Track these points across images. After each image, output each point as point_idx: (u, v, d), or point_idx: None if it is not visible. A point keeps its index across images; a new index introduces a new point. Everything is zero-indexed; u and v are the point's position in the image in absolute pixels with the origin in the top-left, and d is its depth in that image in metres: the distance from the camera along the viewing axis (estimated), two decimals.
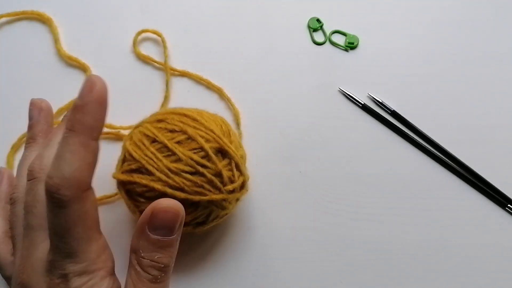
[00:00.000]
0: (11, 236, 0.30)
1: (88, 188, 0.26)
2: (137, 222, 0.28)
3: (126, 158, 0.32)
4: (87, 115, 0.26)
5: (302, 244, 0.38)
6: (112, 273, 0.27)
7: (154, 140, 0.31)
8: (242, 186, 0.33)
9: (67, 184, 0.25)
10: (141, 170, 0.30)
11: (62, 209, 0.25)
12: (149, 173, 0.30)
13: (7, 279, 0.31)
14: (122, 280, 0.27)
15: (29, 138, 0.34)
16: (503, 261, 0.38)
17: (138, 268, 0.26)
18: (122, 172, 0.31)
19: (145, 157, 0.30)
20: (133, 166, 0.31)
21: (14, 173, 0.39)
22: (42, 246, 0.27)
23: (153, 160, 0.30)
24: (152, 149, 0.30)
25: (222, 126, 0.33)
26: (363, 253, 0.38)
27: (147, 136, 0.31)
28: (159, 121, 0.32)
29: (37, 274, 0.26)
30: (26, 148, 0.34)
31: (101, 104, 0.26)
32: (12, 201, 0.31)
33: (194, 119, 0.32)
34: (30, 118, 0.34)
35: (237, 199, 0.33)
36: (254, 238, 0.38)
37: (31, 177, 0.29)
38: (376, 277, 0.37)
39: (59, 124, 0.31)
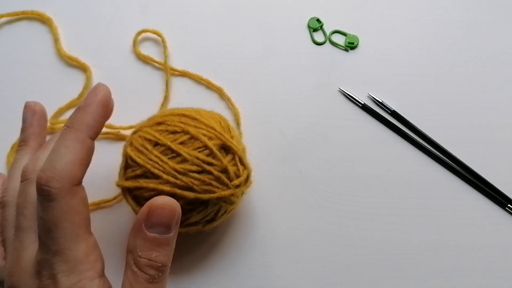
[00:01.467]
0: (2, 240, 0.30)
1: (78, 183, 0.26)
2: (134, 221, 0.27)
3: (129, 164, 0.31)
4: (87, 114, 0.27)
5: (302, 244, 0.38)
6: (102, 274, 0.27)
7: (156, 143, 0.31)
8: (247, 179, 0.33)
9: (57, 176, 0.25)
10: (147, 174, 0.30)
11: (51, 202, 0.25)
12: (156, 176, 0.30)
13: (0, 283, 0.31)
14: (119, 283, 0.27)
15: (21, 141, 0.33)
16: (503, 261, 0.38)
17: (135, 268, 0.26)
18: (127, 179, 0.31)
19: (149, 161, 0.30)
20: (138, 172, 0.30)
21: None
22: (32, 248, 0.27)
23: (158, 163, 0.30)
24: (156, 153, 0.30)
25: (221, 123, 0.33)
26: (363, 253, 0.38)
27: (149, 140, 0.31)
28: (159, 123, 0.32)
29: (26, 276, 0.26)
30: (17, 151, 0.33)
31: (103, 106, 0.28)
32: (2, 205, 0.30)
33: (194, 118, 0.32)
34: (24, 120, 0.34)
35: (243, 193, 0.34)
36: (254, 238, 0.38)
37: (24, 178, 0.28)
38: (376, 277, 0.37)
39: (60, 129, 0.31)
